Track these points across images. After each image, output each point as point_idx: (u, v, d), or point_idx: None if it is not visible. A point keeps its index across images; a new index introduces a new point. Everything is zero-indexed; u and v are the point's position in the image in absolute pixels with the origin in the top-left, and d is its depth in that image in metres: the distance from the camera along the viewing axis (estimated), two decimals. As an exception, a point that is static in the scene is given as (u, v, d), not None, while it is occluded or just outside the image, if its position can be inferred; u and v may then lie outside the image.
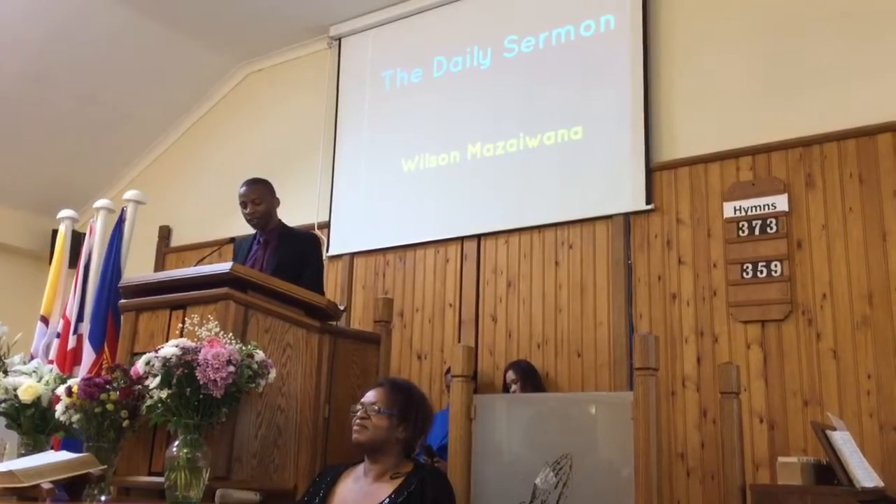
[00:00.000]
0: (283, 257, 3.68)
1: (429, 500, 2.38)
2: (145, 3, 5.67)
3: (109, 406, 2.55)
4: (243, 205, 3.77)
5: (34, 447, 2.99)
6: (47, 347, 4.09)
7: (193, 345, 2.49)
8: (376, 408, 2.50)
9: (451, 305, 5.09)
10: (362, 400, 2.56)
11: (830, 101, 4.10)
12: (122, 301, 3.11)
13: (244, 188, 3.79)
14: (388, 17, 5.77)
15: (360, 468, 2.54)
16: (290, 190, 5.80)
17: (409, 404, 2.54)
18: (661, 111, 4.60)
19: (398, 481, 2.43)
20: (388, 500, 2.39)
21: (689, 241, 4.36)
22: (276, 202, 3.85)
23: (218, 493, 2.57)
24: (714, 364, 4.06)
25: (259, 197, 3.76)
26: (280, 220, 3.87)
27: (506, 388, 4.41)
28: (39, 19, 5.58)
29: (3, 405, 3.03)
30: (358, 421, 2.49)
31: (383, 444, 2.47)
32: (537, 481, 2.57)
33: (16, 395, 3.00)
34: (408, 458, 2.54)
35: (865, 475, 2.99)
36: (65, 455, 2.54)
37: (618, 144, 4.65)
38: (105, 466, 2.52)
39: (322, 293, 3.56)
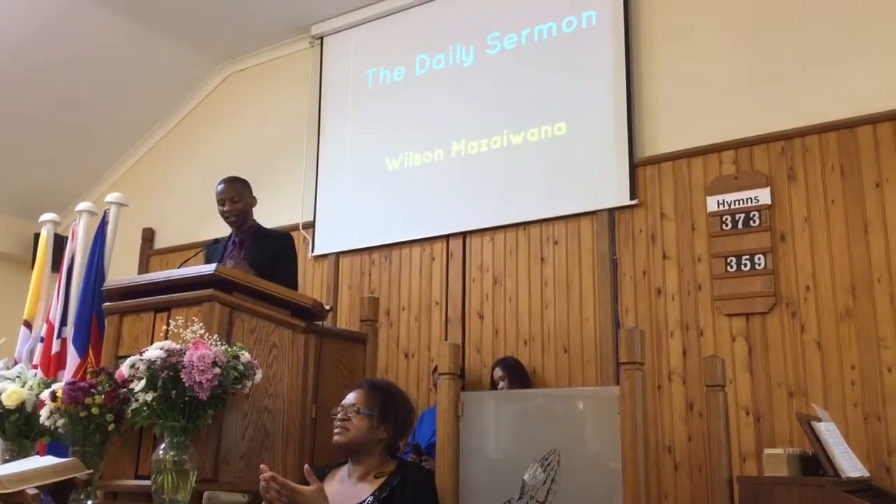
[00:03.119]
0: (256, 256, 3.69)
1: (409, 497, 2.39)
2: (126, 4, 5.63)
3: (94, 410, 2.54)
4: (221, 202, 3.79)
5: (19, 452, 2.97)
6: (31, 352, 4.08)
7: (178, 347, 2.48)
8: (356, 409, 2.51)
9: (437, 303, 5.09)
10: (342, 402, 2.57)
11: (811, 95, 4.13)
12: (106, 304, 3.09)
13: (222, 186, 3.81)
14: (370, 15, 5.76)
15: (345, 469, 2.56)
16: (273, 190, 5.82)
17: (388, 404, 2.55)
18: (644, 106, 4.62)
19: (381, 480, 2.45)
20: (370, 497, 2.40)
21: (674, 236, 4.37)
22: (253, 201, 3.87)
23: (205, 495, 2.56)
24: (700, 357, 4.08)
25: (237, 195, 3.79)
26: (255, 221, 3.88)
27: (493, 385, 4.42)
28: (19, 21, 5.53)
29: (-14, 411, 3.01)
30: (339, 423, 2.50)
31: (365, 444, 2.49)
32: (525, 477, 2.57)
33: (-1, 401, 2.98)
34: (392, 458, 2.54)
35: (851, 465, 3.01)
36: (50, 460, 2.52)
37: (601, 140, 4.67)
38: (91, 471, 2.49)
39: (296, 290, 3.56)
